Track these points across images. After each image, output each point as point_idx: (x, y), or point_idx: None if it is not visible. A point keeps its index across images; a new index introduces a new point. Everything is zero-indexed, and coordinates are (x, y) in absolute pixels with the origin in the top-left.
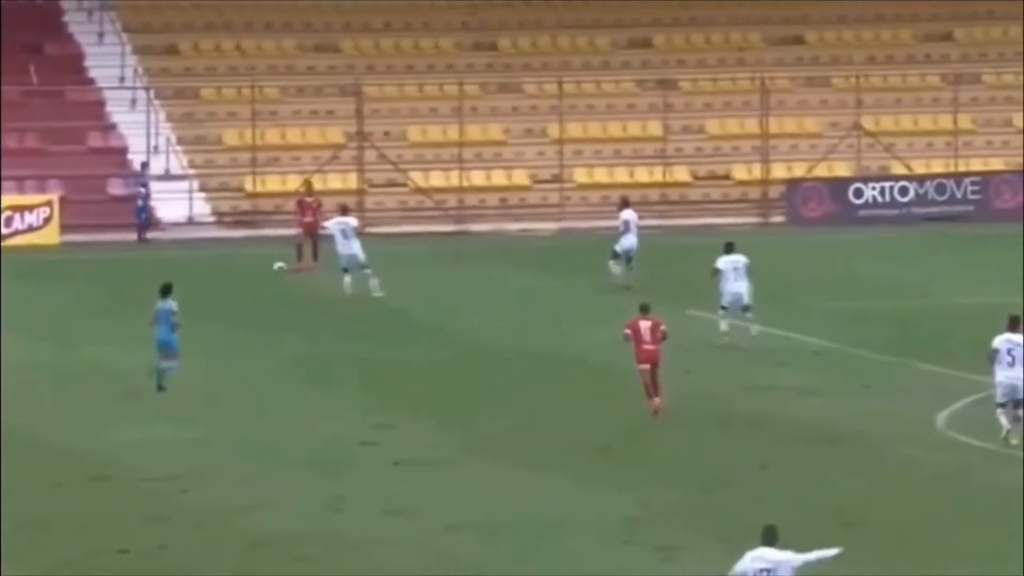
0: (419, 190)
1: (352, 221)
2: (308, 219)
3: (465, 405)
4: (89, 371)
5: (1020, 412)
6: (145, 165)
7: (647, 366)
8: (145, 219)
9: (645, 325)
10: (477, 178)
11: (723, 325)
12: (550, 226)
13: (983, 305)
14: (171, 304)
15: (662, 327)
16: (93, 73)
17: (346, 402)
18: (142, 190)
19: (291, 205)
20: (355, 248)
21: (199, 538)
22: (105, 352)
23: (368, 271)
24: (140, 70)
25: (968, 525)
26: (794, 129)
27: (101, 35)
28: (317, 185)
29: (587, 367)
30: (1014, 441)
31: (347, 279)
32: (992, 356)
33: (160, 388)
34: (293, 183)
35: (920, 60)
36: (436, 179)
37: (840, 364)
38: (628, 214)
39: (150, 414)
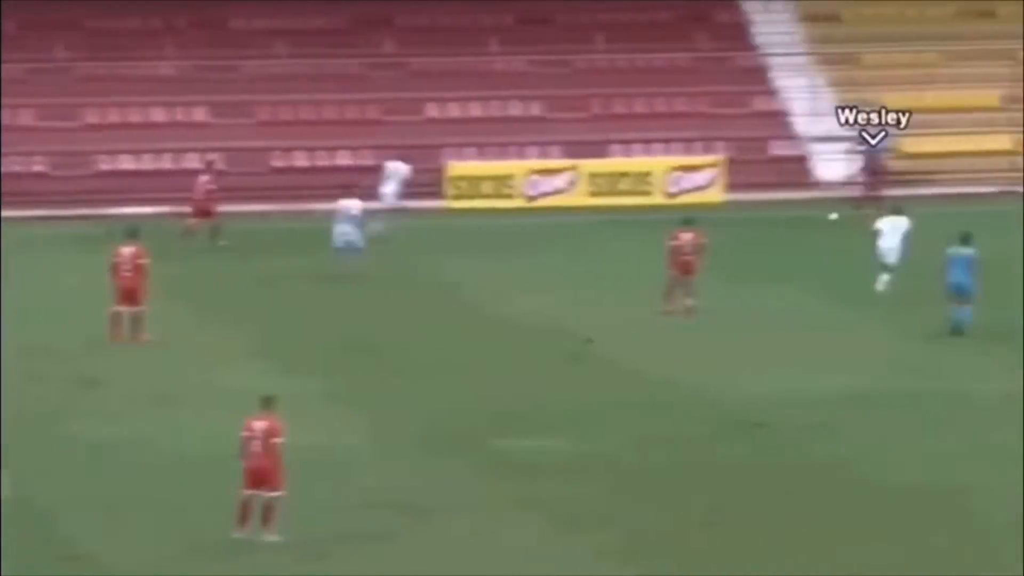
0: None
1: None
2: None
3: None
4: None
5: None
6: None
7: None
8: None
9: None
10: None
11: None
12: None
13: None
14: (969, 251)
15: None
16: (758, 40)
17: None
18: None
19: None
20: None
21: (844, 485)
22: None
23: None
24: (803, 37)
25: None
26: None
27: (768, 3)
28: (969, 146)
29: None
30: None
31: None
32: None
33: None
34: (946, 144)
35: None
36: None
37: None
38: None
39: (794, 364)
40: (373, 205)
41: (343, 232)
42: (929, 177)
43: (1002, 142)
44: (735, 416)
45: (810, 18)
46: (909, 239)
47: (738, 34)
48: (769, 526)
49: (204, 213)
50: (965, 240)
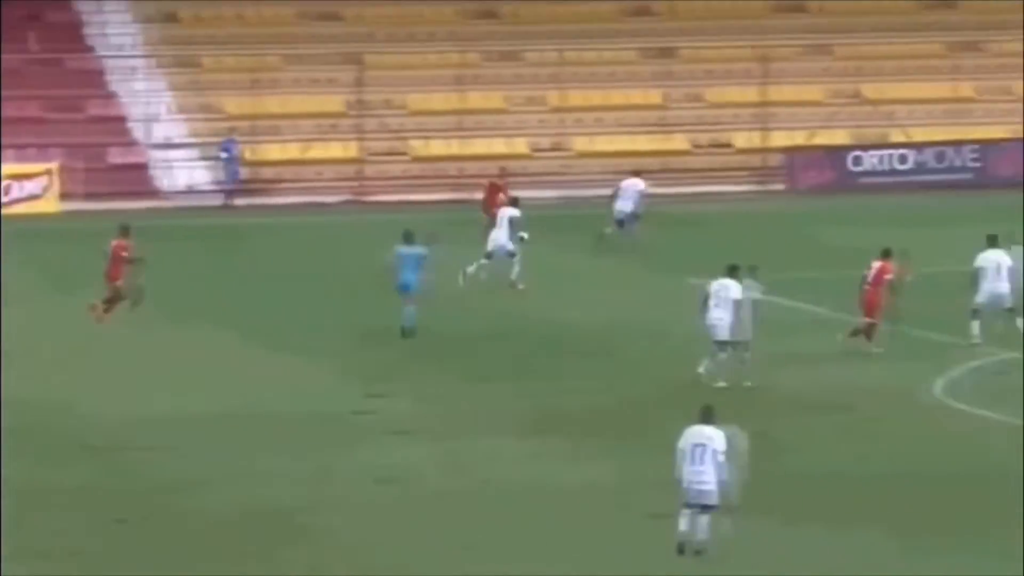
0: (419, 159)
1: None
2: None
3: (474, 377)
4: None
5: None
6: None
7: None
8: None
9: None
10: (478, 146)
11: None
12: (550, 194)
13: None
14: (418, 249)
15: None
16: (93, 41)
17: (342, 372)
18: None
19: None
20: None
21: (187, 510)
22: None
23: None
24: (141, 39)
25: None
26: (794, 97)
27: (101, 3)
28: (316, 154)
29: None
30: None
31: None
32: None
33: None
34: (292, 152)
35: (921, 27)
36: (437, 147)
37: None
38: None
39: (152, 385)
40: None
41: None
42: (276, 186)
43: (349, 149)
44: (80, 439)
45: (149, 19)
46: (516, 226)
47: (72, 35)
48: (106, 551)
49: None
50: (409, 238)
